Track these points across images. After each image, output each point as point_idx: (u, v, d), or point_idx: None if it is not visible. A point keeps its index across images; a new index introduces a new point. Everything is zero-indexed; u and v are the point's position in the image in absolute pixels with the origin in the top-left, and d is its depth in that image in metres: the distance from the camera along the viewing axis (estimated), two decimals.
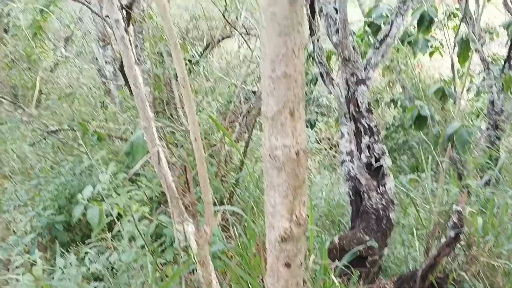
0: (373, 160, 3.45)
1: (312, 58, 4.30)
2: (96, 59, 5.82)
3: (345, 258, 2.80)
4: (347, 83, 3.52)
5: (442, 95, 5.11)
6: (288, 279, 1.12)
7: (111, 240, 2.71)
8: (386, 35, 3.64)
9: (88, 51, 5.99)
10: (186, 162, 1.72)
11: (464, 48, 4.75)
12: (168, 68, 4.28)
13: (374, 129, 3.46)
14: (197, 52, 5.58)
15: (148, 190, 3.22)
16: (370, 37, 5.47)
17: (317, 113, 7.92)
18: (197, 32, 7.01)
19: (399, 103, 6.39)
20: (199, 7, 6.97)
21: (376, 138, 3.46)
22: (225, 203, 3.83)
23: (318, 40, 4.05)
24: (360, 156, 3.50)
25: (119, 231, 2.56)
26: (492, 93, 5.24)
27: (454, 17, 5.87)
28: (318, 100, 8.36)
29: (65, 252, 3.12)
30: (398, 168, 6.41)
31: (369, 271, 3.24)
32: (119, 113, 4.05)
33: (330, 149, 7.49)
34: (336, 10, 3.41)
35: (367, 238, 3.28)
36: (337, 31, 3.43)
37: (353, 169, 3.65)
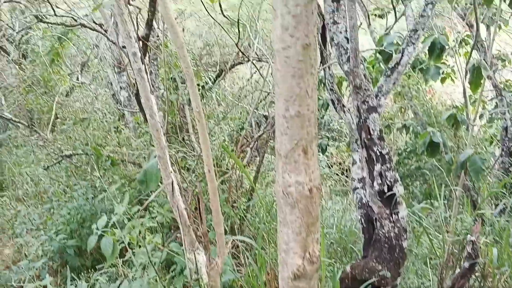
0: (385, 188, 3.42)
1: (324, 84, 4.34)
2: (111, 84, 5.94)
3: None
4: (358, 111, 3.53)
5: (454, 121, 5.08)
6: None
7: (122, 267, 2.71)
8: (397, 63, 3.67)
9: (104, 76, 6.12)
10: (200, 193, 1.74)
11: (476, 75, 4.75)
12: (182, 94, 4.35)
13: (386, 157, 3.44)
14: (210, 79, 5.66)
15: (160, 216, 3.22)
16: (381, 64, 5.50)
17: (328, 137, 7.92)
18: (210, 58, 7.14)
19: (411, 128, 6.37)
20: (213, 34, 7.12)
21: (389, 165, 3.44)
22: (236, 230, 3.82)
23: (329, 68, 4.10)
24: (373, 183, 3.48)
25: (130, 257, 2.56)
26: (505, 119, 5.21)
27: (466, 44, 5.90)
28: (329, 124, 8.38)
29: (76, 278, 3.13)
30: (410, 194, 6.34)
31: None
32: (132, 138, 4.10)
33: (341, 174, 7.45)
34: (347, 40, 3.45)
35: (380, 267, 3.23)
36: (348, 59, 3.47)
37: (365, 196, 3.63)
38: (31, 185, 5.01)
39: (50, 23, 3.96)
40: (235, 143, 4.12)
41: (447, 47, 4.67)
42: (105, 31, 4.29)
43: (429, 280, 3.62)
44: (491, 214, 4.07)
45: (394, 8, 5.11)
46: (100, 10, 4.31)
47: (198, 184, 2.34)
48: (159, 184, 2.13)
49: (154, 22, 3.96)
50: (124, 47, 3.23)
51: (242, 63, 6.70)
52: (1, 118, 4.29)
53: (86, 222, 3.85)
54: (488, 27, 6.35)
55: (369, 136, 3.46)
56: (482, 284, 3.02)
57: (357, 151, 3.83)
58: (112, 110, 5.43)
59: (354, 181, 3.79)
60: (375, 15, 7.69)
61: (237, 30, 5.02)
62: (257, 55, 5.86)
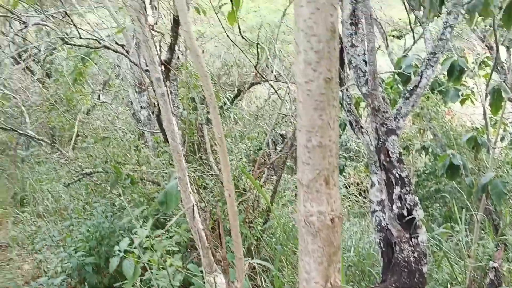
0: (405, 211, 3.38)
1: (341, 105, 4.35)
2: (131, 103, 6.06)
3: None
4: (377, 133, 3.52)
5: (475, 144, 5.01)
6: None
7: (140, 286, 2.72)
8: (416, 86, 3.67)
9: (124, 96, 6.25)
10: (220, 218, 1.75)
11: (496, 97, 4.69)
12: (200, 114, 4.41)
13: (406, 180, 3.42)
14: (228, 98, 5.73)
15: (177, 235, 3.24)
16: (399, 85, 5.49)
17: (345, 158, 7.88)
18: (228, 78, 7.23)
19: (430, 150, 6.30)
20: (231, 54, 7.22)
21: (408, 189, 3.41)
22: (252, 250, 3.80)
23: (347, 89, 4.12)
24: (392, 206, 3.44)
25: (149, 277, 2.57)
26: None
27: (485, 66, 5.85)
28: (346, 144, 8.33)
29: None
30: (429, 217, 6.23)
31: None
32: (152, 157, 4.16)
33: (359, 194, 7.37)
34: (366, 62, 3.47)
35: None
36: (366, 82, 3.48)
37: (384, 219, 3.59)
38: (52, 201, 5.10)
39: (75, 45, 4.10)
40: (253, 163, 4.13)
41: (466, 69, 4.64)
42: (127, 51, 4.40)
43: None
44: None
45: (412, 30, 5.12)
46: (122, 32, 4.43)
47: (218, 208, 2.35)
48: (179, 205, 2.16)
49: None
50: (147, 70, 3.31)
51: (259, 83, 6.77)
52: (25, 136, 4.40)
53: (105, 240, 3.89)
54: (508, 49, 6.30)
55: (388, 159, 3.44)
56: None
57: (376, 173, 3.80)
58: (132, 129, 5.53)
59: (372, 203, 3.76)
60: (393, 36, 7.71)
61: (254, 51, 5.09)
62: (275, 76, 5.92)
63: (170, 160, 4.07)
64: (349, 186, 7.31)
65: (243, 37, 4.54)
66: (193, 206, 1.72)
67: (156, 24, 3.31)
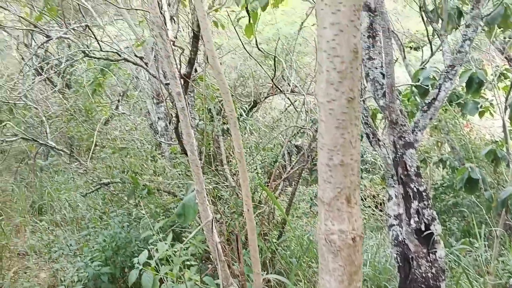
0: (422, 226, 3.34)
1: None
2: (149, 113, 6.14)
3: None
4: (394, 146, 3.50)
5: (494, 157, 4.94)
6: None
7: None
8: (434, 99, 3.63)
9: (142, 106, 6.34)
10: (238, 234, 1.75)
11: None
12: (217, 126, 4.44)
13: (424, 194, 3.38)
14: (244, 110, 5.75)
15: (192, 246, 3.25)
16: (416, 97, 5.45)
17: (361, 170, 7.81)
18: (244, 89, 7.27)
19: (448, 163, 6.21)
20: (247, 66, 7.27)
21: (426, 203, 3.37)
22: (268, 263, 3.78)
23: (364, 102, 4.10)
24: (409, 221, 3.40)
25: None
26: None
27: (505, 78, 5.77)
28: (362, 156, 8.27)
29: None
30: (447, 231, 6.13)
31: None
32: (168, 167, 4.19)
33: (375, 207, 7.29)
34: (383, 75, 3.46)
35: None
36: (384, 95, 3.47)
37: (401, 234, 3.55)
38: (69, 210, 5.17)
39: (96, 57, 4.18)
40: (268, 175, 4.13)
41: (485, 81, 4.59)
42: (146, 63, 4.46)
43: None
44: None
45: (430, 42, 5.09)
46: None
47: (237, 223, 2.35)
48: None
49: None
50: (167, 84, 3.36)
51: (275, 94, 6.79)
52: (45, 146, 4.49)
53: (121, 250, 3.91)
54: None
55: (405, 172, 3.41)
56: None
57: (393, 186, 3.77)
58: (149, 139, 5.59)
59: (390, 217, 3.71)
60: (410, 47, 7.67)
61: (270, 62, 5.11)
62: (290, 87, 5.93)
63: (187, 171, 4.10)
64: (365, 199, 7.24)
65: (259, 49, 4.57)
66: (211, 220, 1.72)
67: (176, 38, 3.36)
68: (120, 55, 4.00)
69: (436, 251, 3.32)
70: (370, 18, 3.53)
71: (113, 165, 4.39)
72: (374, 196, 7.55)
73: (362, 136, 6.38)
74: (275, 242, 3.83)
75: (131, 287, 3.79)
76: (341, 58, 0.86)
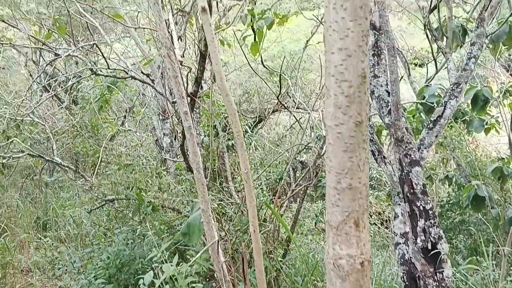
0: (429, 245, 3.31)
1: None
2: (154, 129, 6.17)
3: None
4: (400, 164, 3.48)
5: (501, 175, 4.90)
6: None
7: None
8: (440, 116, 3.63)
9: (148, 122, 6.37)
10: (245, 255, 1.74)
11: None
12: (222, 142, 4.45)
13: (430, 212, 3.35)
14: (249, 126, 5.77)
15: (197, 265, 3.22)
16: (421, 114, 5.44)
17: None
18: (249, 105, 7.31)
19: (454, 180, 6.17)
20: (252, 82, 7.32)
21: (433, 221, 3.34)
22: (272, 282, 3.74)
23: (369, 119, 4.10)
24: (416, 239, 3.37)
25: None
26: None
27: (510, 95, 5.77)
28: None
29: None
30: (454, 249, 6.05)
31: None
32: (173, 184, 4.19)
33: (381, 224, 7.23)
34: (388, 93, 3.47)
35: None
36: (389, 112, 3.47)
37: (407, 252, 3.51)
38: (73, 227, 5.16)
39: (103, 75, 4.23)
40: (273, 193, 4.12)
41: (491, 99, 4.58)
42: (152, 81, 4.50)
43: None
44: None
45: (434, 60, 5.10)
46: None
47: (243, 244, 2.34)
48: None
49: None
50: (174, 102, 3.38)
51: (280, 111, 6.81)
52: (51, 162, 4.51)
53: (125, 268, 3.89)
54: None
55: (412, 191, 3.39)
56: None
57: (399, 204, 3.74)
58: (154, 155, 5.61)
59: (396, 235, 3.68)
60: (415, 64, 7.70)
61: (275, 79, 5.14)
62: (295, 103, 5.95)
63: (192, 188, 4.09)
64: (371, 216, 7.19)
65: (264, 66, 4.60)
66: (217, 241, 1.72)
67: (183, 57, 3.40)
68: (127, 73, 4.04)
69: (443, 270, 3.27)
70: (375, 36, 3.56)
71: (118, 182, 4.39)
72: (379, 213, 7.49)
73: None
74: (280, 261, 3.80)
75: None
76: (349, 82, 0.87)
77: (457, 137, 5.80)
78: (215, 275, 2.81)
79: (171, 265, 2.18)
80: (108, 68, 3.81)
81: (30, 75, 7.55)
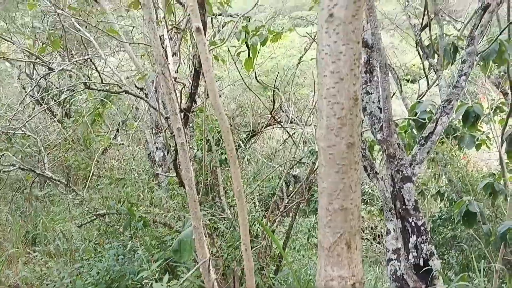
0: (421, 261, 3.30)
1: None
2: (147, 142, 6.14)
3: None
4: (392, 180, 3.50)
5: (492, 191, 4.93)
6: None
7: None
8: (431, 133, 3.66)
9: (141, 136, 6.35)
10: (236, 274, 1.72)
11: None
12: (215, 157, 4.44)
13: (422, 229, 3.35)
14: (242, 141, 5.77)
15: (187, 282, 3.19)
16: (413, 130, 5.48)
17: None
18: (242, 119, 7.33)
19: (445, 195, 6.20)
20: (246, 96, 7.35)
21: (424, 238, 3.34)
22: None
23: (361, 135, 4.12)
24: (408, 256, 3.37)
25: None
26: None
27: (500, 112, 5.84)
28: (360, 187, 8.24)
29: None
30: (446, 265, 6.05)
31: None
32: (165, 198, 4.16)
33: (373, 239, 7.22)
34: (380, 110, 3.49)
35: None
36: (381, 128, 3.49)
37: (399, 269, 3.50)
38: (63, 241, 5.09)
39: (97, 89, 4.22)
40: (266, 208, 4.10)
41: (481, 116, 4.63)
42: (146, 95, 4.50)
43: None
44: None
45: (426, 76, 5.17)
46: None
47: (234, 262, 2.32)
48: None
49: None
50: (167, 117, 3.38)
51: (273, 125, 6.83)
52: (41, 176, 4.47)
53: (114, 284, 3.84)
54: None
55: (403, 207, 3.40)
56: None
57: (391, 220, 3.74)
58: (146, 169, 5.58)
59: (388, 251, 3.67)
60: (407, 80, 7.79)
61: (269, 93, 5.16)
62: (288, 117, 5.98)
63: (184, 202, 4.07)
64: (364, 231, 7.18)
65: (258, 81, 4.63)
66: (208, 260, 1.70)
67: (177, 72, 3.41)
68: (120, 87, 4.04)
69: (435, 287, 3.26)
70: (367, 54, 3.60)
71: (110, 196, 4.35)
72: (372, 228, 7.49)
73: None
74: (272, 277, 3.77)
75: None
76: (341, 105, 0.88)
77: (448, 152, 5.84)
78: None
79: (162, 285, 2.15)
80: (102, 83, 3.81)
81: (23, 88, 7.52)
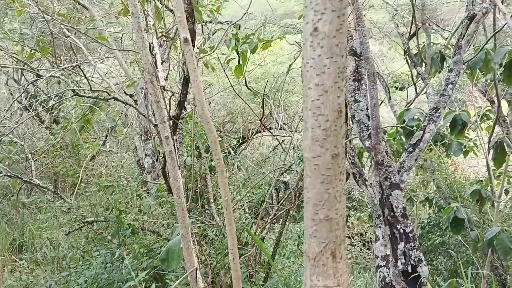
0: (409, 268, 3.33)
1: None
2: (136, 149, 6.12)
3: None
4: (381, 187, 3.52)
5: (479, 197, 4.98)
6: None
7: None
8: (419, 140, 3.70)
9: (130, 143, 6.32)
10: (224, 281, 1.72)
11: (499, 151, 4.71)
12: (205, 163, 4.43)
13: (410, 235, 3.38)
14: (232, 148, 5.78)
15: None
16: (402, 137, 5.53)
17: (349, 207, 7.81)
18: (232, 125, 7.33)
19: (434, 201, 6.25)
20: (236, 103, 7.37)
21: (413, 244, 3.37)
22: None
23: (350, 142, 4.16)
24: (396, 262, 3.39)
25: None
26: None
27: (487, 119, 5.92)
28: (349, 193, 8.29)
29: None
30: (434, 271, 6.09)
31: None
32: (154, 206, 4.14)
33: (362, 245, 7.24)
34: (369, 117, 3.53)
35: None
36: (369, 136, 3.53)
37: (388, 275, 3.52)
38: (50, 249, 5.03)
39: (86, 96, 4.20)
40: (255, 216, 4.10)
41: (469, 123, 4.69)
42: (135, 101, 4.49)
43: None
44: None
45: (414, 84, 5.23)
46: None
47: (223, 271, 2.32)
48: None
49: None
50: (156, 125, 3.37)
51: (263, 131, 6.85)
52: (29, 183, 4.42)
53: None
54: (509, 103, 6.40)
55: (392, 214, 3.42)
56: None
57: (380, 227, 3.77)
58: (135, 176, 5.55)
59: (377, 258, 3.69)
60: (395, 87, 7.86)
61: (259, 100, 5.18)
62: (278, 123, 6.00)
63: (173, 210, 4.05)
64: (353, 237, 7.20)
65: (248, 88, 4.64)
66: (196, 269, 1.70)
67: (167, 79, 3.41)
68: (109, 94, 4.03)
69: None
70: (356, 62, 3.64)
71: (98, 203, 4.32)
72: (362, 234, 7.51)
73: (348, 175, 6.40)
74: (262, 285, 3.76)
75: None
76: (326, 116, 0.89)
77: (436, 159, 5.90)
78: None
79: None
80: (91, 90, 3.80)
81: (11, 94, 7.45)
